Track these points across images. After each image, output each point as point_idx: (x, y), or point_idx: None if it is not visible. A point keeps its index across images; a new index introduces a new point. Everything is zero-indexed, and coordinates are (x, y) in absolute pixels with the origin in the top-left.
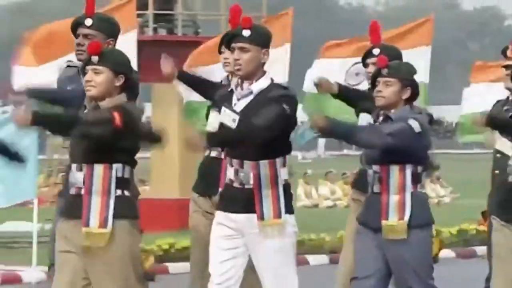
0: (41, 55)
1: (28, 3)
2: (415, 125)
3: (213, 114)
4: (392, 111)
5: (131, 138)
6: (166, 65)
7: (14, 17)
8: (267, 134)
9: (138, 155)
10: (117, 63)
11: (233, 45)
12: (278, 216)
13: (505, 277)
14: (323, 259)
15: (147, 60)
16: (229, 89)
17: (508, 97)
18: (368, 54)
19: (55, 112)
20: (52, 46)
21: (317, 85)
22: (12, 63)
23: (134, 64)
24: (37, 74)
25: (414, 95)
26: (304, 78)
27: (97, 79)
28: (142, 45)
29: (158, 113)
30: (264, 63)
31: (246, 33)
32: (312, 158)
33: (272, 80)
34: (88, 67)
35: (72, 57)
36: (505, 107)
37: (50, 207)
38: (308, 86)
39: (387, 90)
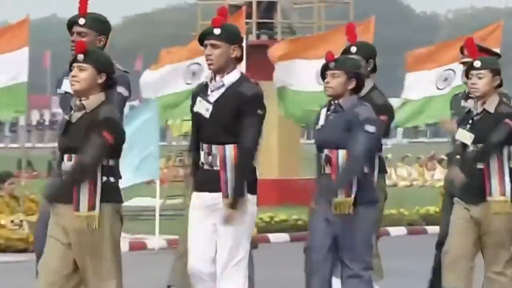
0: None
1: (152, 14)
2: (371, 129)
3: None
4: (341, 100)
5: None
6: None
7: (139, 26)
8: (258, 141)
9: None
10: (100, 62)
11: (205, 42)
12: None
13: (459, 247)
14: (402, 231)
15: (251, 61)
16: (204, 83)
17: (465, 91)
18: (344, 53)
19: (65, 180)
20: None
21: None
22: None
23: (242, 64)
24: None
25: (360, 86)
26: (384, 75)
27: (81, 75)
28: (247, 48)
29: None
30: (234, 58)
31: (216, 31)
32: (391, 144)
33: (241, 73)
34: (74, 64)
35: None
36: (463, 104)
37: (169, 185)
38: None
39: (334, 81)
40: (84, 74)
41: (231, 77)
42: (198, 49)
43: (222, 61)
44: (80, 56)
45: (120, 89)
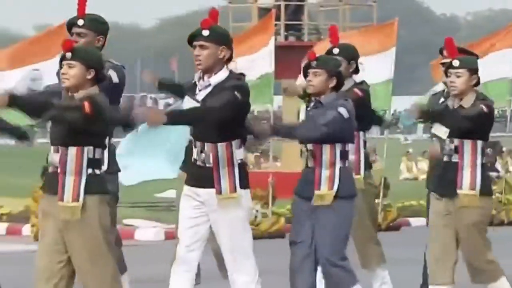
0: None
1: (186, 16)
2: (344, 112)
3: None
4: (322, 97)
5: (99, 124)
6: (147, 76)
7: (174, 29)
8: (219, 114)
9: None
10: (88, 58)
11: (194, 43)
12: (234, 190)
13: (439, 242)
14: (421, 221)
15: (280, 61)
16: (193, 82)
17: (444, 90)
18: (328, 53)
19: (31, 95)
20: None
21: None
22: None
23: (272, 63)
24: None
25: (340, 84)
26: (407, 74)
27: (70, 72)
28: (276, 49)
29: (288, 102)
30: (222, 59)
31: (205, 32)
32: (412, 139)
33: (230, 72)
34: (63, 62)
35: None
36: (441, 100)
37: None
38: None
39: (316, 79)
40: (73, 71)
41: (218, 77)
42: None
43: (210, 61)
44: (68, 54)
45: (112, 74)
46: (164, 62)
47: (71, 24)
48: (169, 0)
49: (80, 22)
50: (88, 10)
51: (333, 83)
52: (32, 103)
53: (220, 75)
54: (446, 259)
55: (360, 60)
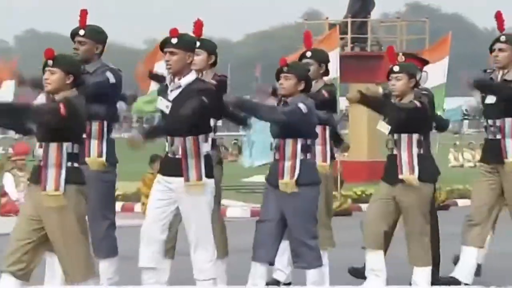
0: None
1: (269, 31)
2: (303, 107)
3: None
4: (289, 98)
5: (75, 123)
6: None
7: (258, 41)
8: (189, 120)
9: (343, 131)
10: (67, 65)
11: (165, 49)
12: (200, 179)
13: (374, 214)
14: (467, 202)
15: (346, 68)
16: (165, 84)
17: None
18: (301, 57)
19: (8, 102)
20: None
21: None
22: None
23: (337, 71)
24: None
25: (308, 87)
26: (456, 80)
27: (52, 77)
28: (344, 58)
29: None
30: (190, 63)
31: (173, 40)
32: (459, 133)
33: (197, 76)
34: (46, 68)
35: None
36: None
37: None
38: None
39: (286, 82)
40: (54, 76)
41: (187, 79)
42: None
43: (179, 65)
44: (50, 62)
45: (109, 75)
46: (250, 69)
47: (73, 34)
48: (254, 17)
49: (81, 32)
50: (187, 29)
51: (301, 86)
52: (10, 109)
53: (189, 78)
54: (377, 229)
55: (425, 69)
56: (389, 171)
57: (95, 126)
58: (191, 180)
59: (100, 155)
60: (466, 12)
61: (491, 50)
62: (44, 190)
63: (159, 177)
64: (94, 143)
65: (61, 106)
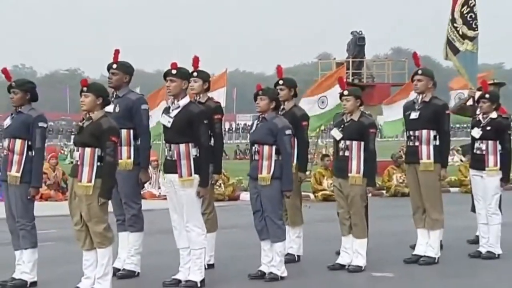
0: None
1: (292, 68)
2: (289, 132)
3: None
4: (266, 114)
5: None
6: None
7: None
8: (209, 140)
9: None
10: (97, 90)
11: (167, 78)
12: (190, 175)
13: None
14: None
15: None
16: (168, 106)
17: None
18: (276, 84)
19: (113, 171)
20: None
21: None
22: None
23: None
24: None
25: (278, 106)
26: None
27: (86, 100)
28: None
29: None
30: (185, 89)
31: (173, 71)
32: None
33: (190, 99)
34: (82, 93)
35: None
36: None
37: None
38: None
39: (262, 102)
40: (87, 99)
41: (183, 101)
42: (324, 87)
43: (177, 90)
44: (84, 88)
45: (145, 106)
46: None
47: (109, 67)
48: (283, 56)
49: (114, 66)
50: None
51: (273, 105)
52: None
53: (185, 100)
54: (342, 215)
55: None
56: (340, 169)
57: (123, 134)
58: (183, 176)
59: (129, 158)
60: (433, 54)
61: (412, 80)
62: (80, 181)
63: (164, 175)
64: (124, 149)
65: (115, 139)
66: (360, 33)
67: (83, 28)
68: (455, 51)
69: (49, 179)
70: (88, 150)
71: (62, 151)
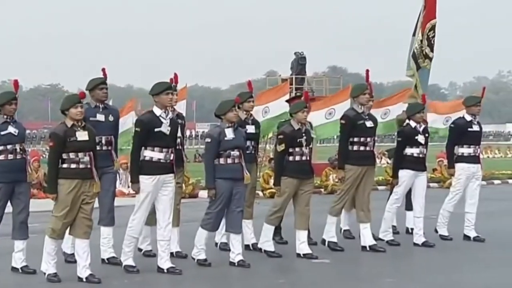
0: None
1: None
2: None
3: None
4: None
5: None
6: None
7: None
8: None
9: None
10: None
11: (169, 91)
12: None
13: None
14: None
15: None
16: (158, 115)
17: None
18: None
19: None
20: None
21: None
22: None
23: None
24: None
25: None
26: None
27: (82, 111)
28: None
29: None
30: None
31: (173, 87)
32: None
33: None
34: (78, 104)
35: None
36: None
37: None
38: None
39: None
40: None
41: (175, 112)
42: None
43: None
44: (82, 100)
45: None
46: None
47: (100, 82)
48: (239, 71)
49: (106, 81)
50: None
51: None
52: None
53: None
54: (295, 210)
55: (335, 107)
56: (303, 170)
57: (115, 140)
58: (177, 175)
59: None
60: (363, 72)
61: (364, 94)
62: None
63: (157, 177)
64: (113, 153)
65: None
66: (302, 53)
67: (62, 49)
68: (417, 66)
69: (33, 180)
70: (91, 153)
71: (44, 155)
